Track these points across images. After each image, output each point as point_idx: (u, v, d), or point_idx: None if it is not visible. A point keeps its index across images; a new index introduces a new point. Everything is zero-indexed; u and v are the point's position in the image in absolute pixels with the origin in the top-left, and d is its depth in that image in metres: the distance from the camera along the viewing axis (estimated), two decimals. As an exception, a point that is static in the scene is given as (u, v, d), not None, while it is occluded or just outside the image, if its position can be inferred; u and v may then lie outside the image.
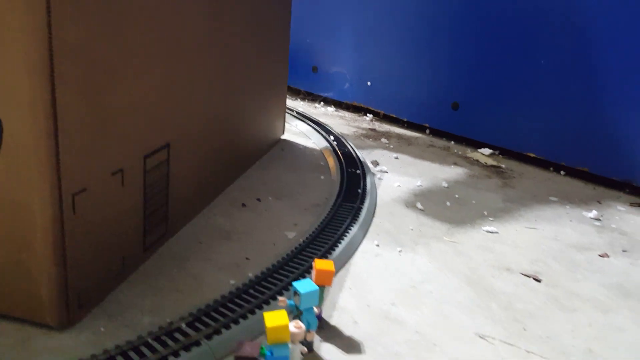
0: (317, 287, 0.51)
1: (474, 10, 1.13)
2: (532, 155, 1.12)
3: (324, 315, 0.58)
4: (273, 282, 0.60)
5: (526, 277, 0.70)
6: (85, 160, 0.50)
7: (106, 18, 0.50)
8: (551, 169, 1.10)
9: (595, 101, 1.02)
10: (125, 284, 0.60)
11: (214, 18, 0.73)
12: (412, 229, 0.80)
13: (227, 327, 0.52)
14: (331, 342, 0.54)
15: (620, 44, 0.97)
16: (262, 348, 0.44)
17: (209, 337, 0.51)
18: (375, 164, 1.04)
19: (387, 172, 1.01)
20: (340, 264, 0.68)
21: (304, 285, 0.51)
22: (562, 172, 1.09)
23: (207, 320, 0.53)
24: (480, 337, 0.57)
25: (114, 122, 0.54)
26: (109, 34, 0.51)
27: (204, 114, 0.74)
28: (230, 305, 0.56)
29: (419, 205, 0.88)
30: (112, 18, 0.51)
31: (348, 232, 0.74)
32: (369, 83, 1.34)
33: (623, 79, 0.98)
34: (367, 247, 0.74)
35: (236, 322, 0.53)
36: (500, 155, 1.16)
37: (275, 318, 0.45)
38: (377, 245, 0.74)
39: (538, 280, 0.69)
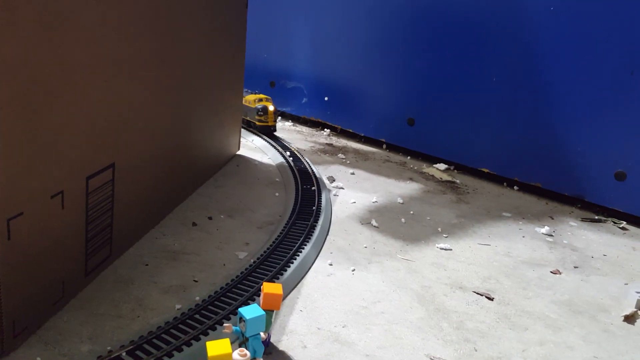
0: (263, 313, 0.50)
1: (427, 28, 1.14)
2: (485, 170, 1.13)
3: (272, 340, 0.56)
4: (221, 307, 0.59)
5: (478, 295, 0.70)
6: (21, 183, 0.48)
7: (44, 35, 0.48)
8: (505, 184, 1.12)
9: (547, 117, 1.04)
10: (65, 310, 0.57)
11: (162, 34, 0.71)
12: (366, 247, 0.79)
13: (170, 355, 0.50)
14: (279, 368, 0.53)
15: (568, 61, 1.00)
16: (203, 379, 0.43)
17: (150, 366, 0.49)
18: (332, 179, 1.04)
19: (343, 188, 1.00)
20: (292, 285, 0.67)
21: (250, 311, 0.49)
22: (515, 187, 1.10)
23: (148, 348, 0.51)
24: (431, 359, 0.57)
25: (53, 143, 0.51)
26: (47, 52, 0.49)
27: (152, 132, 0.72)
28: (174, 331, 0.54)
29: (373, 222, 0.87)
30: (51, 35, 0.49)
31: (301, 251, 0.73)
32: (326, 98, 1.33)
33: (572, 95, 1.00)
34: (320, 266, 0.73)
35: (179, 349, 0.51)
36: (455, 171, 1.17)
37: (217, 347, 0.44)
38: (330, 265, 0.73)
39: (490, 299, 0.69)
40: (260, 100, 1.25)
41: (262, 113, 1.23)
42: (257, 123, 1.23)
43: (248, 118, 1.26)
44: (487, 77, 1.09)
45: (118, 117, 0.63)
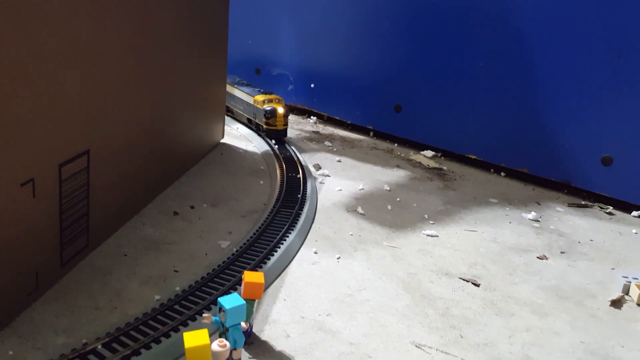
0: (244, 302, 0.48)
1: (414, 13, 1.13)
2: (472, 157, 1.12)
3: (255, 330, 0.55)
4: (201, 297, 0.57)
5: (464, 282, 0.69)
6: (-13, 170, 0.46)
7: (11, 20, 0.46)
8: (492, 170, 1.11)
9: (533, 103, 1.03)
10: (39, 302, 0.55)
11: (138, 20, 0.69)
12: (351, 235, 0.78)
13: (147, 347, 0.49)
14: (261, 359, 0.51)
15: (555, 45, 0.98)
16: (180, 370, 0.41)
17: (126, 358, 0.47)
18: (318, 167, 1.02)
19: (329, 176, 0.99)
20: (276, 273, 0.66)
21: (230, 301, 0.48)
22: (502, 174, 1.09)
23: (125, 340, 0.49)
24: (417, 346, 0.56)
25: (23, 130, 0.49)
26: (14, 38, 0.46)
27: (129, 119, 0.70)
28: (152, 323, 0.52)
29: (359, 210, 0.86)
30: (19, 20, 0.47)
31: (285, 240, 0.71)
32: (312, 85, 1.32)
33: (559, 80, 0.99)
34: (304, 254, 0.71)
35: (157, 341, 0.50)
36: (442, 157, 1.16)
37: (195, 338, 0.42)
38: (315, 253, 0.72)
39: (476, 285, 0.69)
40: (270, 101, 1.12)
41: (269, 115, 1.09)
42: (265, 127, 1.10)
43: (257, 120, 1.14)
44: (474, 62, 1.08)
45: (93, 104, 0.61)
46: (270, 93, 1.15)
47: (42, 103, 0.51)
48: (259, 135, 1.14)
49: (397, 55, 1.17)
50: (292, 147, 1.09)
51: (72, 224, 0.59)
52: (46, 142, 0.53)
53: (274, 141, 1.10)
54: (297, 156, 1.03)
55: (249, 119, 1.18)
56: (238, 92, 1.21)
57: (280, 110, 1.09)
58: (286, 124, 1.11)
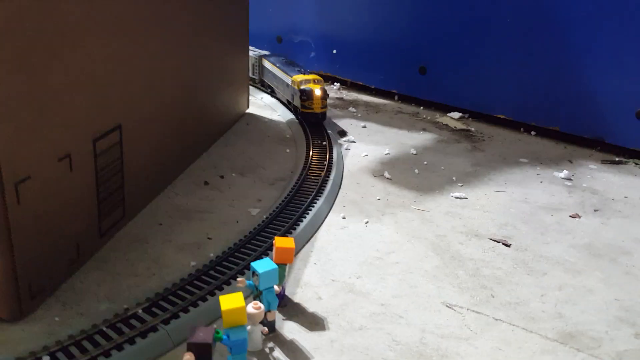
0: (276, 266, 0.50)
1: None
2: (501, 117, 1.10)
3: (287, 292, 0.56)
4: (235, 262, 0.59)
5: (495, 242, 0.69)
6: (26, 146, 0.48)
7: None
8: (521, 129, 1.09)
9: (563, 58, 1.00)
10: (81, 271, 0.58)
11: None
12: (379, 199, 0.78)
13: (186, 310, 0.51)
14: (294, 320, 0.53)
15: (585, -1, 0.96)
16: (217, 332, 0.43)
17: (166, 322, 0.49)
18: (343, 133, 1.02)
19: (354, 142, 0.99)
20: (305, 238, 0.67)
21: (262, 265, 0.49)
22: (532, 133, 1.08)
23: (164, 304, 0.51)
24: (447, 306, 0.57)
25: (56, 104, 0.51)
26: (42, 9, 0.47)
27: (158, 92, 0.71)
28: (189, 288, 0.54)
29: (386, 174, 0.86)
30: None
31: (313, 206, 0.72)
32: (334, 51, 1.30)
33: (589, 34, 0.97)
34: (333, 219, 0.72)
35: (195, 305, 0.51)
36: (470, 119, 1.14)
37: (230, 301, 0.44)
38: (343, 218, 0.73)
39: (507, 245, 0.69)
40: (308, 81, 1.01)
41: (305, 97, 0.99)
42: (301, 109, 1.01)
43: (294, 103, 1.05)
44: (500, 19, 1.05)
45: (121, 77, 0.62)
46: (310, 73, 1.08)
47: (72, 77, 0.53)
48: (283, 104, 1.14)
49: (420, 16, 1.15)
50: (318, 114, 1.08)
51: (108, 196, 0.61)
52: (80, 118, 0.54)
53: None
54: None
55: (288, 101, 1.11)
56: (279, 72, 1.13)
57: (318, 91, 0.99)
58: (325, 107, 1.00)
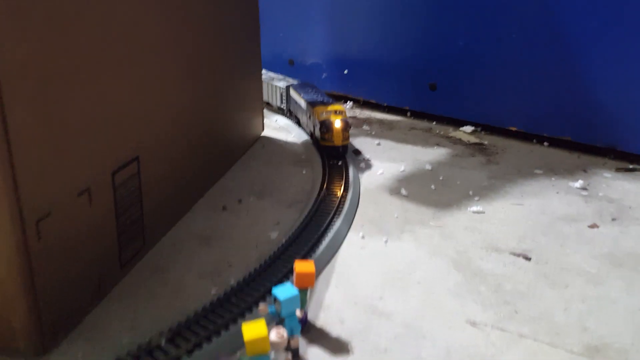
0: (297, 292, 0.50)
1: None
2: (513, 129, 1.10)
3: (309, 317, 0.56)
4: (256, 288, 0.59)
5: (515, 256, 0.68)
6: (46, 183, 0.49)
7: (53, 30, 0.48)
8: (534, 140, 1.09)
9: (572, 67, 1.00)
10: (103, 304, 0.58)
11: (173, 19, 0.71)
12: (397, 217, 0.78)
13: (209, 339, 0.51)
14: (317, 345, 0.53)
15: (594, 5, 0.95)
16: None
17: (189, 352, 0.49)
18: (357, 152, 1.03)
19: (369, 160, 0.99)
20: (325, 260, 0.67)
21: (283, 291, 0.49)
22: (545, 144, 1.07)
23: (187, 334, 0.51)
24: (471, 324, 0.56)
25: (74, 139, 0.52)
26: (58, 47, 0.48)
27: (173, 120, 0.72)
28: (211, 316, 0.54)
29: (403, 191, 0.86)
30: (60, 30, 0.49)
31: (332, 226, 0.72)
32: (345, 71, 1.32)
33: (597, 42, 0.96)
34: (352, 239, 0.72)
35: (218, 333, 0.52)
36: (483, 132, 1.14)
37: (253, 330, 0.44)
38: (362, 237, 0.73)
39: (527, 259, 0.68)
40: (329, 112, 0.96)
41: (325, 130, 0.94)
42: (320, 142, 0.95)
43: (315, 135, 0.99)
44: (507, 33, 1.06)
45: (138, 109, 0.63)
46: (333, 103, 1.01)
47: (88, 111, 0.54)
48: (298, 125, 1.15)
49: (428, 33, 1.16)
50: (331, 134, 1.09)
51: (128, 227, 0.62)
52: (98, 151, 0.55)
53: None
54: (336, 143, 1.04)
55: (310, 133, 1.05)
56: (302, 102, 1.08)
57: (338, 124, 0.93)
58: (346, 139, 0.94)
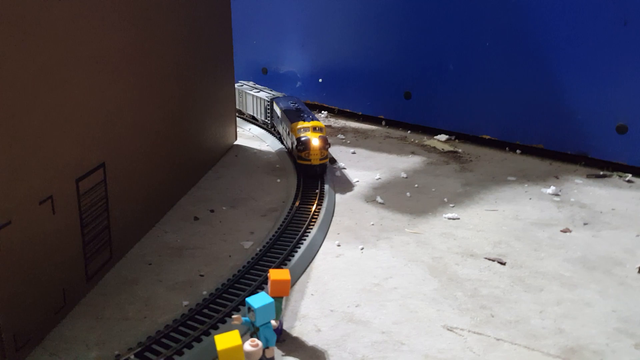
0: (272, 300, 0.48)
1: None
2: (487, 137, 1.11)
3: (285, 326, 0.55)
4: (229, 299, 0.57)
5: (490, 261, 0.68)
6: (5, 190, 0.46)
7: (15, 36, 0.46)
8: (507, 148, 1.10)
9: (543, 76, 1.02)
10: (69, 318, 0.56)
11: (143, 27, 0.69)
12: (373, 224, 0.78)
13: (180, 353, 0.49)
14: (294, 355, 0.51)
15: (560, 16, 0.97)
16: (214, 372, 0.41)
17: (160, 366, 0.47)
18: (333, 161, 1.02)
19: (345, 168, 0.99)
20: (301, 269, 0.66)
21: (258, 300, 0.48)
22: (518, 151, 1.08)
23: (157, 348, 0.50)
24: (448, 329, 0.55)
25: (36, 147, 0.50)
26: (20, 53, 0.47)
27: (142, 128, 0.71)
28: (182, 329, 0.52)
29: (379, 199, 0.85)
30: (23, 36, 0.47)
31: (307, 235, 0.71)
32: (320, 80, 1.31)
33: (567, 51, 0.98)
34: (328, 248, 0.71)
35: (189, 346, 0.50)
36: (457, 140, 1.15)
37: (226, 340, 0.42)
38: (338, 245, 0.72)
39: (502, 263, 0.68)
40: (307, 129, 0.91)
41: (301, 147, 0.89)
42: (297, 160, 0.90)
43: (293, 152, 0.94)
44: (480, 42, 1.07)
45: (104, 115, 0.61)
46: (312, 119, 0.95)
47: (53, 118, 0.52)
48: (271, 133, 1.14)
49: (402, 42, 1.17)
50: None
51: (94, 237, 0.60)
52: (61, 158, 0.53)
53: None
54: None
55: (289, 150, 1.01)
56: (283, 118, 1.03)
57: (315, 142, 0.88)
58: (325, 158, 0.89)
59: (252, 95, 1.20)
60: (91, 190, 0.58)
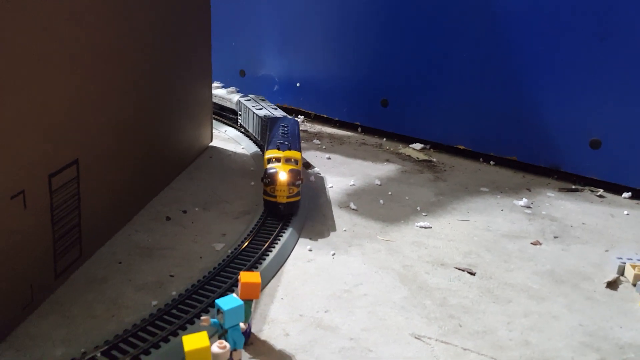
0: (241, 303, 0.48)
1: (397, 7, 1.13)
2: (461, 147, 1.12)
3: (253, 330, 0.55)
4: (198, 300, 0.57)
5: (460, 271, 0.69)
6: (-24, 184, 0.46)
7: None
8: (481, 159, 1.11)
9: (519, 89, 1.03)
10: (35, 315, 0.55)
11: (120, 24, 0.69)
12: (345, 230, 0.78)
13: (147, 352, 0.48)
14: (261, 358, 0.51)
15: (537, 30, 0.99)
16: (181, 374, 0.41)
17: (126, 366, 0.47)
18: (308, 165, 1.02)
19: (319, 174, 0.99)
20: (272, 273, 0.66)
21: (227, 302, 0.48)
22: (491, 162, 1.10)
23: (124, 346, 0.49)
24: (416, 337, 0.56)
25: (8, 140, 0.49)
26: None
27: (116, 126, 0.70)
28: (150, 328, 0.52)
29: (352, 206, 0.86)
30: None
31: (279, 239, 0.71)
32: (298, 84, 1.31)
33: (543, 65, 1.00)
34: (299, 253, 0.71)
35: (157, 346, 0.49)
36: (432, 150, 1.16)
37: (194, 341, 0.42)
38: (310, 250, 0.72)
39: (472, 274, 0.69)
40: (278, 160, 0.78)
41: (267, 181, 0.76)
42: (263, 195, 0.78)
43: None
44: (458, 53, 1.08)
45: (78, 112, 0.60)
46: (289, 149, 0.80)
47: (25, 112, 0.51)
48: (248, 137, 1.13)
49: (381, 51, 1.17)
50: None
51: (64, 234, 0.59)
52: (34, 153, 0.53)
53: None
54: (286, 155, 1.03)
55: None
56: (267, 141, 0.88)
57: (282, 176, 0.75)
58: (294, 196, 0.76)
59: (247, 109, 1.11)
60: (63, 187, 0.58)
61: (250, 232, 0.72)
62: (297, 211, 0.78)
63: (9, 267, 0.50)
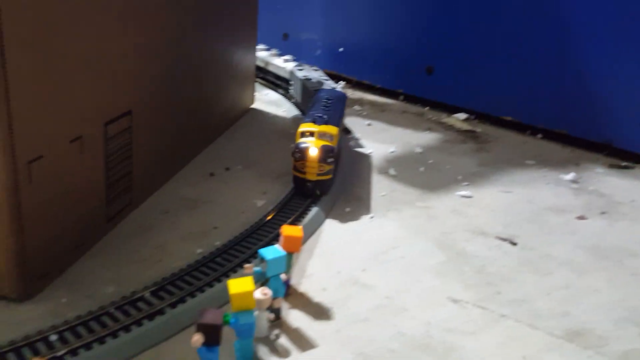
0: (284, 254, 0.49)
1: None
2: (508, 118, 1.10)
3: (292, 282, 0.56)
4: (241, 250, 0.59)
5: (500, 241, 0.69)
6: (40, 126, 0.48)
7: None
8: (528, 132, 1.09)
9: (572, 60, 1.00)
10: (88, 255, 0.58)
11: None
12: (384, 195, 0.78)
13: (193, 295, 0.50)
14: (299, 309, 0.53)
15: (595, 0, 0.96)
16: (226, 315, 0.43)
17: (173, 305, 0.49)
18: (347, 131, 1.02)
19: (359, 139, 0.99)
20: (311, 231, 0.67)
21: (270, 252, 0.49)
22: (539, 136, 1.07)
23: (171, 289, 0.51)
24: (453, 301, 0.56)
25: (69, 86, 0.51)
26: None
27: (167, 81, 0.71)
28: (196, 273, 0.54)
29: (391, 172, 0.86)
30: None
31: (318, 200, 0.72)
32: (341, 49, 1.31)
33: (598, 36, 0.96)
34: (337, 214, 0.72)
35: (202, 290, 0.51)
36: (476, 120, 1.14)
37: (239, 285, 0.43)
38: (348, 212, 0.72)
39: (514, 244, 0.68)
40: (312, 134, 0.72)
41: (297, 156, 0.71)
42: (292, 171, 0.73)
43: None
44: (508, 19, 1.05)
45: (133, 64, 0.62)
46: (326, 123, 0.74)
47: (84, 61, 0.53)
48: (289, 100, 1.13)
49: (427, 16, 1.15)
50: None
51: (117, 181, 0.61)
52: (92, 100, 0.55)
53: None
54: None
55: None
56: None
57: (313, 151, 0.70)
58: (325, 174, 0.71)
59: (300, 79, 1.07)
60: (118, 135, 0.60)
61: (290, 191, 0.73)
62: (327, 191, 0.73)
63: (65, 208, 0.53)
